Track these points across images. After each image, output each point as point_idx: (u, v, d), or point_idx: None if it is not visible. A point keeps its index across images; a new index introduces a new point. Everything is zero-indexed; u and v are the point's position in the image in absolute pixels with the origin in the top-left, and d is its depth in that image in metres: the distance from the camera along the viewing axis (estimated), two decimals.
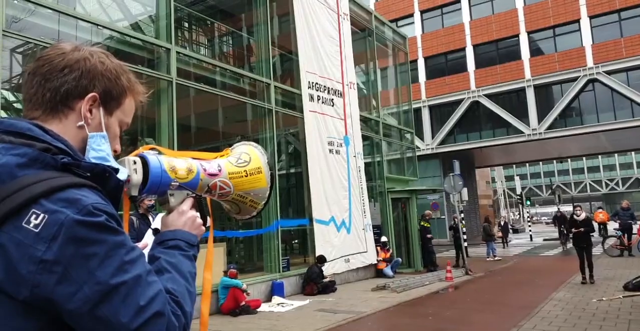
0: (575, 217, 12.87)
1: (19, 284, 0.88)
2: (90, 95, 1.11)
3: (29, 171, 0.95)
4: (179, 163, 1.33)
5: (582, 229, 12.46)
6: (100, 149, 1.12)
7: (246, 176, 1.50)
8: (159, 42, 10.30)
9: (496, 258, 19.86)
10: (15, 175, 0.94)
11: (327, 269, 12.77)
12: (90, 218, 0.92)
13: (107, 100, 1.15)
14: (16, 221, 0.90)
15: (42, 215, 0.90)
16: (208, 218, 1.42)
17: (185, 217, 1.30)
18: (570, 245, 18.17)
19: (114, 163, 1.14)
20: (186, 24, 15.38)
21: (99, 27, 9.39)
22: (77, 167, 1.00)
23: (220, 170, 1.44)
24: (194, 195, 1.36)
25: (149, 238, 1.35)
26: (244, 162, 1.52)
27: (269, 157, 1.59)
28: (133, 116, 1.26)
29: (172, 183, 1.30)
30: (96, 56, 1.14)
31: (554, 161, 76.89)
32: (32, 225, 0.89)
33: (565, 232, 22.07)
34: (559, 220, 26.54)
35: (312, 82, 13.83)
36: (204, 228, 1.35)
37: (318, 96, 13.99)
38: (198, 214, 1.35)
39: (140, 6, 12.97)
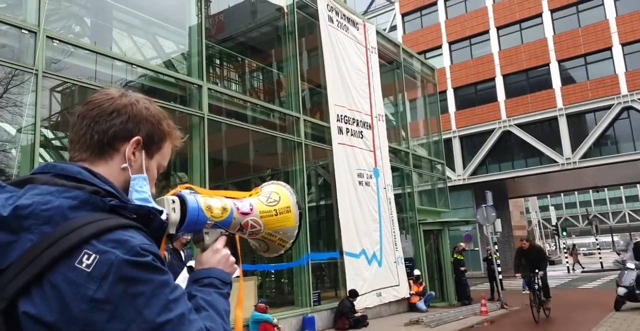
0: None
1: (70, 323, 0.90)
2: (135, 138, 1.17)
3: (80, 213, 1.00)
4: (214, 202, 1.37)
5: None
6: (142, 191, 1.17)
7: (276, 215, 1.52)
8: (191, 79, 10.56)
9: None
10: (67, 217, 0.99)
11: (359, 303, 12.59)
12: (138, 259, 0.96)
13: (149, 144, 1.21)
14: (69, 261, 0.93)
15: (93, 255, 0.93)
16: (239, 256, 1.45)
17: (219, 255, 1.34)
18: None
19: (155, 205, 1.18)
20: (217, 61, 15.73)
21: (133, 66, 9.69)
22: (124, 209, 1.05)
23: (252, 209, 1.47)
24: (227, 233, 1.39)
25: (183, 278, 1.38)
26: (274, 201, 1.55)
27: (298, 197, 1.62)
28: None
29: (208, 222, 1.33)
30: (142, 102, 1.21)
31: (590, 190, 75.13)
32: (84, 265, 0.93)
33: (535, 277, 12.76)
34: (527, 256, 13.37)
35: (341, 115, 13.93)
36: (236, 266, 1.38)
37: (347, 128, 14.06)
38: (230, 252, 1.38)
39: (173, 44, 13.36)
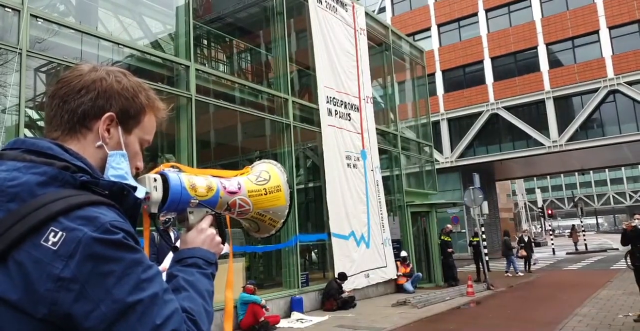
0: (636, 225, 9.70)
1: (37, 302, 0.88)
2: (106, 115, 1.12)
3: (49, 189, 0.96)
4: (198, 181, 1.33)
5: None
6: (119, 167, 1.13)
7: (265, 194, 1.49)
8: (179, 60, 10.44)
9: (518, 274, 19.21)
10: (35, 194, 0.95)
11: (347, 284, 12.69)
12: (107, 236, 0.92)
13: (124, 119, 1.16)
14: (35, 239, 0.90)
15: (60, 233, 0.90)
16: (227, 236, 1.41)
17: (204, 234, 1.30)
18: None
19: (132, 181, 1.14)
20: (205, 42, 15.58)
21: (120, 46, 9.56)
22: (96, 185, 1.01)
23: (239, 188, 1.43)
24: (213, 212, 1.35)
25: (169, 260, 1.35)
26: (264, 180, 1.52)
27: (288, 176, 1.59)
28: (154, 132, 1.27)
29: (192, 201, 1.30)
30: (112, 75, 1.15)
31: (576, 173, 75.97)
32: (50, 242, 0.90)
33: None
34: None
35: (330, 97, 13.88)
36: (222, 246, 1.35)
37: (335, 110, 14.02)
38: (217, 232, 1.35)
39: (160, 24, 13.18)
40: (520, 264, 20.22)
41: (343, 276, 12.45)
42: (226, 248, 1.40)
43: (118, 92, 1.14)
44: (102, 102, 1.12)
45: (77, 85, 1.12)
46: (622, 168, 76.13)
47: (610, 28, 28.40)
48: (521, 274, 19.25)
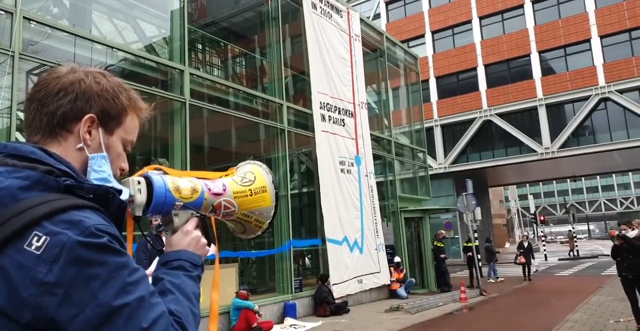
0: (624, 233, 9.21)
1: (21, 307, 0.86)
2: (87, 116, 1.11)
3: (32, 193, 0.95)
4: (183, 183, 1.33)
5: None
6: (101, 170, 1.12)
7: (251, 195, 1.49)
8: (173, 64, 10.42)
9: (499, 280, 19.14)
10: (18, 198, 0.94)
11: (341, 290, 12.66)
12: (92, 240, 0.91)
13: (105, 120, 1.14)
14: (18, 243, 0.89)
15: (44, 237, 0.89)
16: (213, 238, 1.41)
17: (189, 237, 1.29)
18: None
19: (115, 184, 1.13)
20: (200, 46, 15.56)
21: (113, 49, 9.52)
22: (80, 189, 1.00)
23: (224, 190, 1.43)
24: (198, 214, 1.35)
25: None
26: (249, 181, 1.51)
27: (274, 176, 1.58)
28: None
29: (176, 203, 1.29)
30: (91, 76, 1.13)
31: (568, 180, 76.30)
32: (33, 247, 0.88)
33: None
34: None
35: (324, 103, 13.88)
36: (208, 248, 1.34)
37: (329, 116, 14.03)
38: (202, 234, 1.34)
39: (155, 28, 13.16)
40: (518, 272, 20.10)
41: (324, 277, 12.46)
42: (212, 250, 1.39)
43: (97, 93, 1.12)
44: (82, 103, 1.10)
45: (55, 87, 1.10)
46: (613, 175, 76.62)
47: (602, 37, 28.69)
48: (502, 279, 19.21)
